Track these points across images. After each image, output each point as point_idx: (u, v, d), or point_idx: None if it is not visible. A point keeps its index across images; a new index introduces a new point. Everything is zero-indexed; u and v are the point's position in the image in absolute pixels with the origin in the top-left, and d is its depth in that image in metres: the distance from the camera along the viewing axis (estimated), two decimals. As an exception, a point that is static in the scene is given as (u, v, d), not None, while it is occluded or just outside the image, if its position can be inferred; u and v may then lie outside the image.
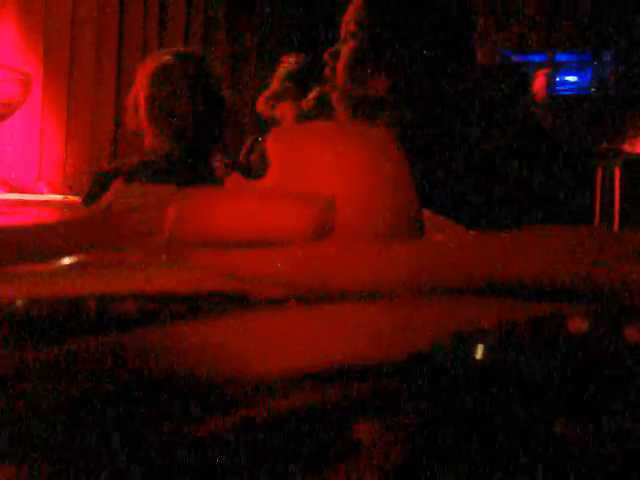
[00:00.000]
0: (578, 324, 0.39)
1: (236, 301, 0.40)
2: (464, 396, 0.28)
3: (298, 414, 0.26)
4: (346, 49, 1.11)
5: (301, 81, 2.50)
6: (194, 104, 1.55)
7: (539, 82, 2.98)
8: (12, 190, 2.68)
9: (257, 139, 2.58)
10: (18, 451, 0.24)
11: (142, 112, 1.56)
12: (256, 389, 0.27)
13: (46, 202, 2.40)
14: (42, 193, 2.95)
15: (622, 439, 0.26)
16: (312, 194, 0.63)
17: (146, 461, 0.23)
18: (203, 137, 1.57)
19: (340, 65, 1.11)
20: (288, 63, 2.63)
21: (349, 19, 1.12)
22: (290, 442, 0.24)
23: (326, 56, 1.15)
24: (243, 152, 2.73)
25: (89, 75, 3.85)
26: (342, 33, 1.13)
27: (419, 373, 0.30)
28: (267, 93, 2.64)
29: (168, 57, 1.60)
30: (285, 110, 2.54)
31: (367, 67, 1.09)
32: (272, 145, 0.74)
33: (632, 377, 0.30)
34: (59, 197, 2.58)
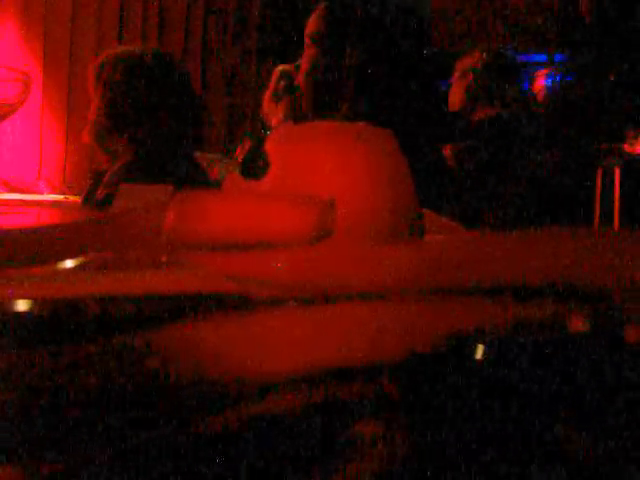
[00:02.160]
0: (578, 324, 0.39)
1: (236, 302, 0.40)
2: (464, 396, 0.28)
3: (298, 414, 0.26)
4: (303, 63, 1.20)
5: (292, 84, 2.51)
6: (165, 104, 1.52)
7: (539, 82, 2.98)
8: (12, 190, 2.68)
9: (252, 135, 2.59)
10: (19, 451, 0.24)
11: (111, 119, 1.50)
12: (256, 389, 0.27)
13: (46, 202, 2.40)
14: (42, 193, 2.95)
15: (622, 441, 0.26)
16: (312, 196, 0.63)
17: (145, 461, 0.23)
18: (179, 136, 1.54)
19: (300, 77, 1.21)
20: (282, 68, 2.65)
21: (306, 34, 1.21)
22: (290, 442, 0.24)
23: (294, 70, 1.26)
24: (240, 152, 2.74)
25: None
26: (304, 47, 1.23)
27: (419, 373, 0.30)
28: (267, 96, 2.65)
29: (127, 59, 1.53)
30: (277, 112, 2.57)
31: (318, 79, 1.18)
32: (272, 145, 0.74)
33: (632, 377, 0.30)
34: (59, 197, 2.58)
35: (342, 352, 0.32)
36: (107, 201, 1.40)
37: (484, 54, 2.26)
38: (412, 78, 1.14)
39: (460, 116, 2.19)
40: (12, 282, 0.44)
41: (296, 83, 1.23)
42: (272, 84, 2.65)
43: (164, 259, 0.53)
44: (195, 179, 1.52)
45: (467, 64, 2.27)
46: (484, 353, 0.33)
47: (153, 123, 1.49)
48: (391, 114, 1.09)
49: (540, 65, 3.42)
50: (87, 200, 1.54)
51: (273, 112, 2.62)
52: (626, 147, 2.48)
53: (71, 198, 2.34)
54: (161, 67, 1.54)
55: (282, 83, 2.58)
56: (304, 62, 1.21)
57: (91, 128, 1.56)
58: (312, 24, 1.21)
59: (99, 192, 1.50)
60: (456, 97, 2.25)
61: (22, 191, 2.73)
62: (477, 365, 0.32)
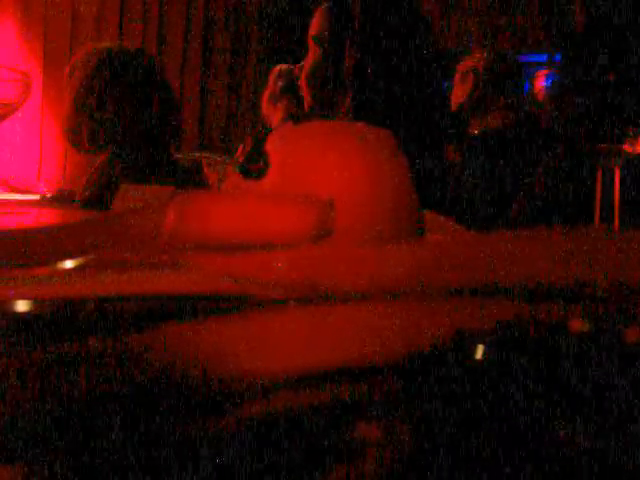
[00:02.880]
0: (578, 324, 0.39)
1: (236, 302, 0.40)
2: (464, 396, 0.28)
3: (298, 414, 0.26)
4: (306, 63, 1.22)
5: (289, 84, 2.51)
6: (137, 100, 1.50)
7: (539, 82, 2.98)
8: (12, 190, 2.68)
9: (256, 136, 2.59)
10: (19, 451, 0.24)
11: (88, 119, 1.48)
12: (256, 389, 0.27)
13: (46, 202, 2.40)
14: (42, 193, 2.95)
15: (622, 439, 0.26)
16: (311, 196, 0.63)
17: (145, 461, 0.23)
18: (157, 133, 1.52)
19: (302, 77, 1.23)
20: (279, 68, 2.64)
21: (309, 35, 1.23)
22: (290, 442, 0.24)
23: (296, 71, 1.27)
24: (241, 152, 2.74)
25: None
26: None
27: (419, 373, 0.30)
28: (266, 95, 2.65)
29: (97, 56, 1.51)
30: (276, 112, 2.57)
31: (321, 80, 1.20)
32: (272, 145, 0.74)
33: (632, 377, 0.30)
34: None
35: (342, 352, 0.32)
36: (91, 202, 1.40)
37: (486, 55, 2.24)
38: (413, 78, 1.14)
39: (461, 117, 2.18)
40: (12, 282, 0.44)
41: (299, 83, 1.24)
42: (270, 84, 2.65)
43: (164, 259, 0.53)
44: (190, 178, 1.51)
45: (469, 65, 2.25)
46: (484, 353, 0.33)
47: (127, 121, 1.48)
48: (391, 114, 1.09)
49: (540, 65, 3.42)
50: (87, 200, 1.53)
51: (272, 112, 2.61)
52: (626, 147, 2.47)
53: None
54: (132, 63, 1.52)
55: (280, 83, 2.58)
56: (306, 63, 1.21)
57: (63, 127, 1.55)
58: (314, 25, 1.22)
59: (82, 194, 1.49)
60: (458, 98, 2.24)
61: (22, 191, 2.73)
62: (477, 365, 0.32)
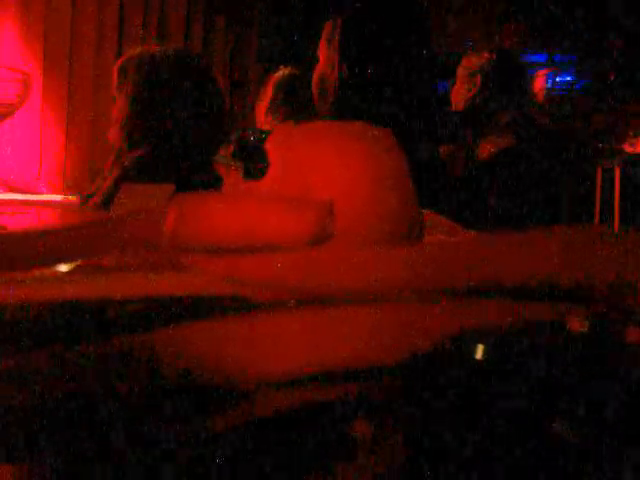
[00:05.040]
0: (578, 324, 0.39)
1: (236, 304, 0.40)
2: (464, 396, 0.28)
3: (298, 414, 0.26)
4: (315, 72, 1.26)
5: (291, 92, 2.49)
6: (195, 106, 1.50)
7: (539, 82, 2.98)
8: (12, 190, 2.68)
9: (250, 133, 2.57)
10: (20, 451, 0.24)
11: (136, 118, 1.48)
12: (256, 389, 0.27)
13: (46, 202, 2.40)
14: (42, 193, 2.95)
15: (621, 438, 0.26)
16: (311, 199, 0.63)
17: (147, 460, 0.23)
18: (201, 139, 1.52)
19: (312, 86, 1.27)
20: (282, 74, 2.62)
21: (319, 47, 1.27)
22: (290, 441, 0.24)
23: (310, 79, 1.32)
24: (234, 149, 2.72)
25: (89, 75, 3.85)
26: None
27: (419, 373, 0.30)
28: (264, 106, 2.62)
29: (159, 58, 1.52)
30: (275, 119, 2.55)
31: (323, 87, 1.24)
32: (272, 146, 0.74)
33: (632, 377, 0.30)
34: (59, 197, 2.58)
35: (342, 353, 0.32)
36: (106, 204, 1.40)
37: (494, 54, 2.20)
38: (412, 78, 1.15)
39: (464, 116, 2.15)
40: (12, 284, 0.44)
41: (312, 90, 1.26)
42: (268, 94, 2.61)
43: (164, 261, 0.53)
44: (208, 184, 1.51)
45: (475, 63, 2.21)
46: (484, 353, 0.33)
47: (175, 126, 1.48)
48: (391, 114, 1.10)
49: (540, 65, 3.42)
50: (85, 201, 1.53)
51: (269, 123, 2.58)
52: (626, 147, 2.47)
53: (71, 198, 2.34)
54: (194, 69, 1.53)
55: (280, 95, 2.54)
56: (315, 71, 1.25)
57: (120, 127, 1.55)
58: (322, 36, 1.25)
59: (98, 196, 1.49)
60: (461, 96, 2.20)
61: (22, 191, 2.73)
62: (477, 365, 0.32)
